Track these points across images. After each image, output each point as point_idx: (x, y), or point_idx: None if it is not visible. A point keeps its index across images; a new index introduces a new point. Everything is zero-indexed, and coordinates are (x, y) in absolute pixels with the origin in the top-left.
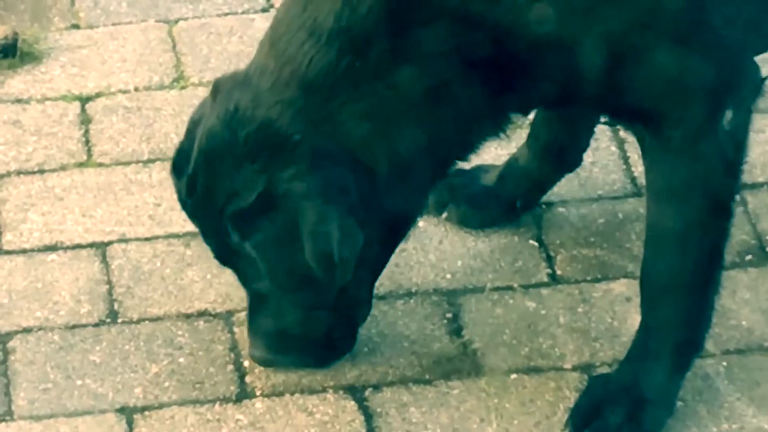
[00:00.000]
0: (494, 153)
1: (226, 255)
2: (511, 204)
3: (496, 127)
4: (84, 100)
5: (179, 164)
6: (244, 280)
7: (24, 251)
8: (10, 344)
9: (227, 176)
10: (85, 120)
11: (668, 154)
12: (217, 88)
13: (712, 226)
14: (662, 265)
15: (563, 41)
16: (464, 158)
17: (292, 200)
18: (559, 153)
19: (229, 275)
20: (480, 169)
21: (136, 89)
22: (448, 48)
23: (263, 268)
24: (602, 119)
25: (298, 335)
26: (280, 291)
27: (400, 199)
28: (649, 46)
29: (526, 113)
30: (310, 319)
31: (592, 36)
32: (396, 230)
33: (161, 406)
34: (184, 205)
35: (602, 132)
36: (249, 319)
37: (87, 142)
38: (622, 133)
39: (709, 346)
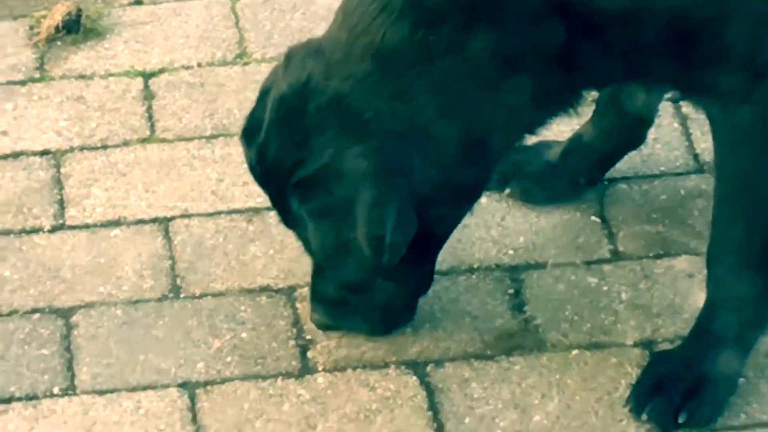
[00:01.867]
0: (556, 129)
1: (290, 221)
2: (574, 180)
3: (568, 103)
4: (147, 75)
5: (250, 131)
6: (308, 247)
7: (87, 226)
8: (73, 319)
9: (295, 145)
10: (148, 96)
11: (737, 131)
12: (290, 56)
13: None
14: (730, 243)
15: (637, 15)
16: (534, 133)
17: (353, 177)
18: (624, 131)
19: (291, 251)
20: (543, 146)
21: (199, 65)
22: (523, 22)
23: (312, 238)
24: (666, 96)
25: (357, 304)
26: (324, 263)
27: (468, 173)
28: (724, 19)
29: (599, 89)
30: (370, 289)
31: (667, 11)
32: (462, 204)
33: (223, 381)
34: (254, 172)
35: (665, 109)
36: (311, 284)
37: (150, 117)
38: (684, 110)
39: None
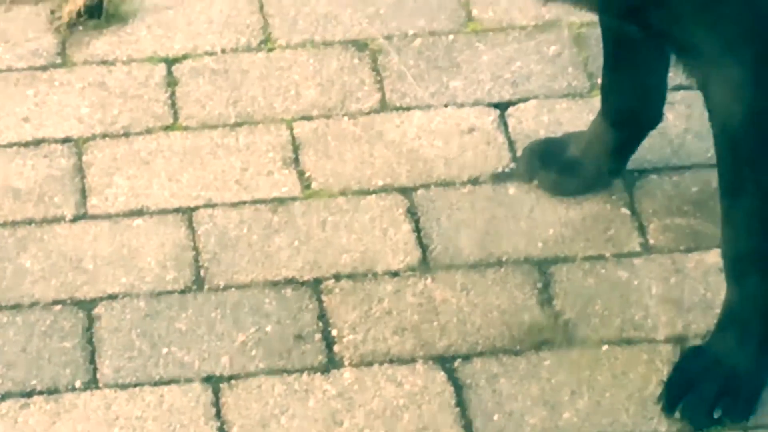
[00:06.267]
0: (586, 119)
1: None
2: (599, 170)
3: None
4: (170, 62)
5: None
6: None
7: (109, 216)
8: (95, 311)
9: None
10: (172, 82)
11: (731, 102)
12: None
13: None
14: (740, 230)
15: None
16: None
17: None
18: (634, 115)
19: (316, 242)
20: (570, 136)
21: (223, 51)
22: None
23: None
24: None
25: None
26: None
27: None
28: None
29: None
30: None
31: None
32: None
33: (248, 376)
34: None
35: (696, 98)
36: None
37: (173, 104)
38: None
39: None
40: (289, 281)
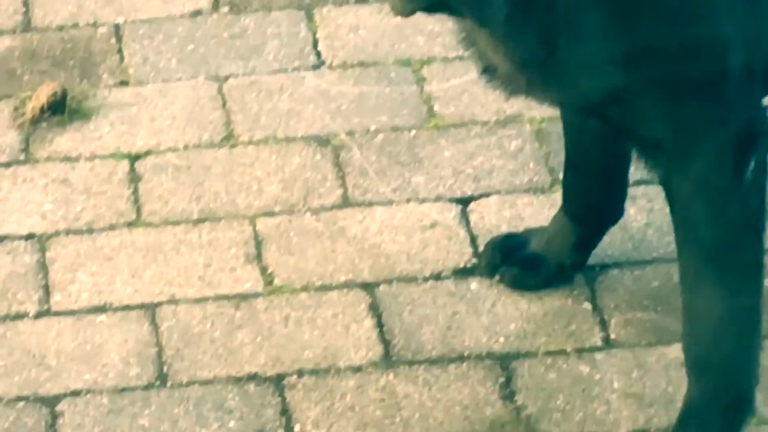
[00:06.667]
0: (548, 214)
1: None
2: (560, 266)
3: None
4: (133, 158)
5: None
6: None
7: (72, 312)
8: (59, 407)
9: None
10: (135, 178)
11: (693, 197)
12: None
13: (746, 283)
14: (701, 325)
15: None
16: None
17: None
18: (596, 211)
19: (279, 338)
20: (532, 232)
21: (186, 147)
22: None
23: None
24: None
25: None
26: None
27: None
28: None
29: None
30: None
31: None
32: None
33: None
34: None
35: (657, 193)
36: None
37: (136, 201)
38: None
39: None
40: (252, 377)
